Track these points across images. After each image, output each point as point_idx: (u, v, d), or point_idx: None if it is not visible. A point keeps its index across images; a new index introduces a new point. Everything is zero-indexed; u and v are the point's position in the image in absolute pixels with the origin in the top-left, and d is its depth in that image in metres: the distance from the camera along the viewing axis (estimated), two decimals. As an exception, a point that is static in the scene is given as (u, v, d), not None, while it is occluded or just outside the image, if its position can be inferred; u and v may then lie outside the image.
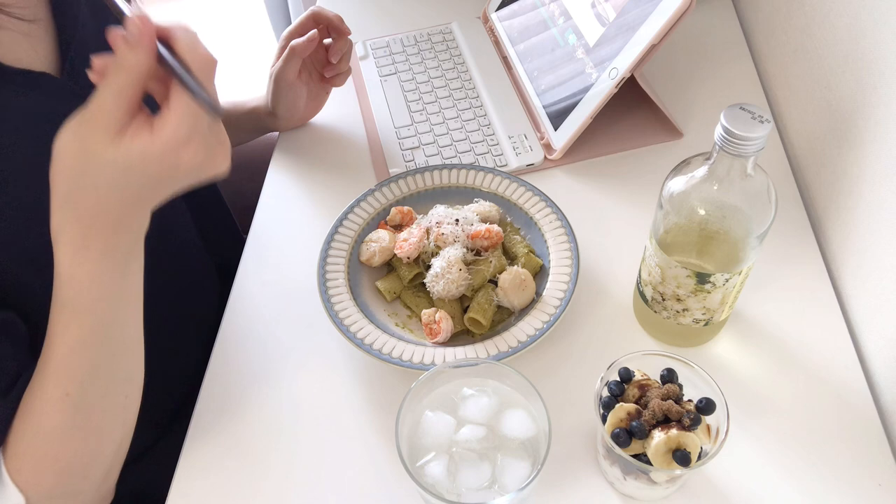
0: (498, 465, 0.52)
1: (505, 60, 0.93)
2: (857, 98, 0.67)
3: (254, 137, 0.94)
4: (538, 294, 0.67)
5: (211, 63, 0.43)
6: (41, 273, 0.62)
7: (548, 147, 0.83)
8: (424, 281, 0.68)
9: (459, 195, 0.76)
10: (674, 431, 0.51)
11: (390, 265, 0.73)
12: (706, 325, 0.63)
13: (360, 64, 0.96)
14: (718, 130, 0.50)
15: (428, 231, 0.70)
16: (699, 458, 0.51)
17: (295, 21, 0.81)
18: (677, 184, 0.56)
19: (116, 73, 0.42)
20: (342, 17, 0.80)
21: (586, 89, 0.79)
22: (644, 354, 0.56)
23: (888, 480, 0.58)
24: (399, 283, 0.71)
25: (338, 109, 0.91)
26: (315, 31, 0.78)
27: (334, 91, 0.88)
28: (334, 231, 0.73)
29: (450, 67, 0.94)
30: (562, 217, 0.72)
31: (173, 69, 0.42)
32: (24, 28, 0.60)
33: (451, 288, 0.66)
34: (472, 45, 0.96)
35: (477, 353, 0.63)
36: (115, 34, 0.41)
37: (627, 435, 0.52)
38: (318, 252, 0.71)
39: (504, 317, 0.68)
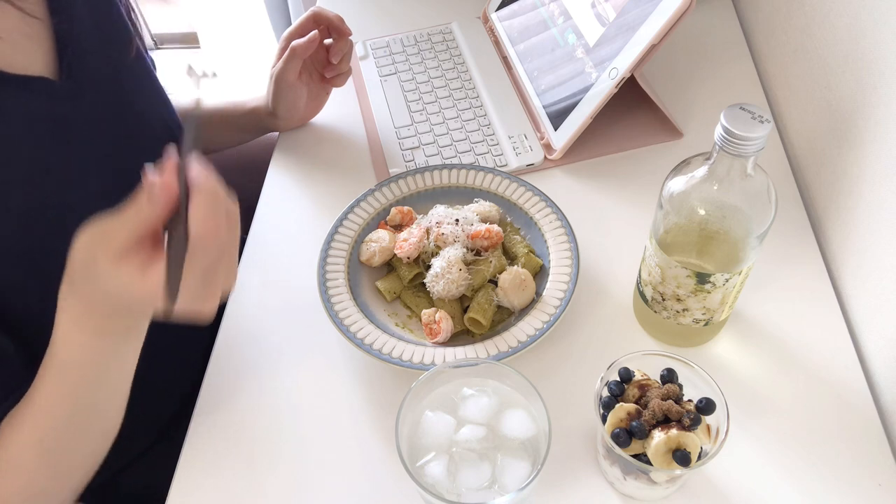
0: (498, 465, 0.52)
1: (505, 60, 0.93)
2: (857, 98, 0.67)
3: (254, 137, 0.94)
4: (538, 294, 0.67)
5: (207, 243, 0.45)
6: (39, 277, 0.62)
7: (548, 147, 0.83)
8: (424, 281, 0.68)
9: (459, 195, 0.76)
10: (674, 431, 0.51)
11: (390, 265, 0.73)
12: (706, 325, 0.63)
13: (360, 64, 0.96)
14: (718, 130, 0.50)
15: (428, 231, 0.70)
16: (699, 458, 0.51)
17: (295, 22, 0.81)
18: (677, 184, 0.56)
19: (134, 212, 0.45)
20: (342, 18, 0.80)
21: (586, 89, 0.79)
22: (644, 354, 0.56)
23: (888, 480, 0.58)
24: (399, 283, 0.71)
25: (338, 109, 0.91)
26: (315, 31, 0.78)
27: (334, 91, 0.88)
28: (334, 231, 0.73)
29: (450, 67, 0.94)
30: (562, 217, 0.72)
31: (166, 242, 0.45)
32: (24, 27, 0.59)
33: (451, 288, 0.66)
34: (472, 45, 0.96)
35: (477, 353, 0.63)
36: (149, 179, 0.45)
37: (627, 435, 0.52)
38: (318, 252, 0.71)
39: (504, 317, 0.68)
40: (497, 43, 0.95)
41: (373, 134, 0.88)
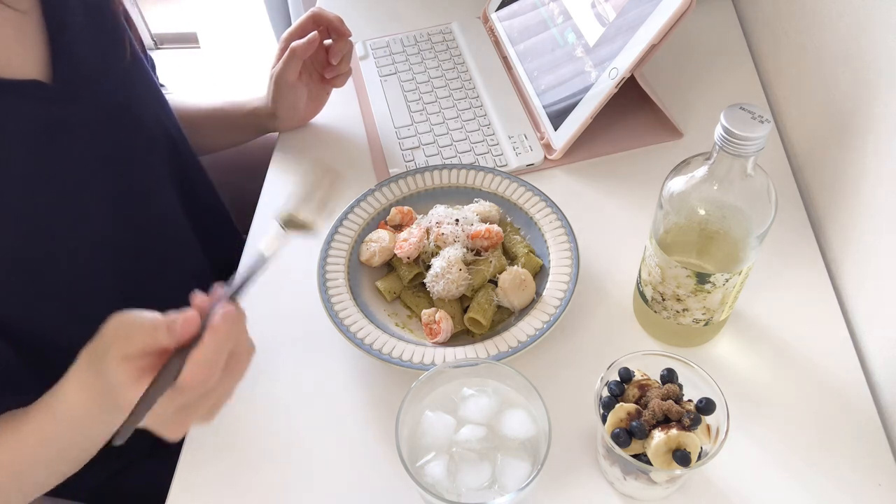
0: (498, 465, 0.52)
1: (505, 60, 0.93)
2: (857, 98, 0.67)
3: (254, 137, 0.94)
4: (538, 294, 0.67)
5: (193, 387, 0.46)
6: (35, 282, 0.62)
7: (548, 147, 0.83)
8: (424, 281, 0.68)
9: (459, 195, 0.76)
10: (674, 431, 0.51)
11: (390, 265, 0.73)
12: (706, 325, 0.63)
13: (360, 64, 0.96)
14: (718, 130, 0.50)
15: (428, 231, 0.70)
16: (699, 458, 0.51)
17: (295, 22, 0.81)
18: (677, 184, 0.56)
19: (154, 328, 0.46)
20: (342, 19, 0.80)
21: (586, 89, 0.79)
22: (644, 354, 0.56)
23: (888, 480, 0.57)
24: (399, 283, 0.71)
25: (338, 110, 0.91)
26: (315, 32, 0.78)
27: (334, 91, 0.88)
28: (334, 231, 0.73)
29: (450, 67, 0.94)
30: (562, 217, 0.72)
31: (159, 375, 0.46)
32: (16, 29, 0.59)
33: (451, 288, 0.66)
34: (472, 45, 0.96)
35: (477, 353, 0.63)
36: (187, 317, 0.46)
37: (627, 435, 0.52)
38: (318, 252, 0.71)
39: (504, 317, 0.68)
40: (497, 43, 0.95)
41: (373, 134, 0.88)
